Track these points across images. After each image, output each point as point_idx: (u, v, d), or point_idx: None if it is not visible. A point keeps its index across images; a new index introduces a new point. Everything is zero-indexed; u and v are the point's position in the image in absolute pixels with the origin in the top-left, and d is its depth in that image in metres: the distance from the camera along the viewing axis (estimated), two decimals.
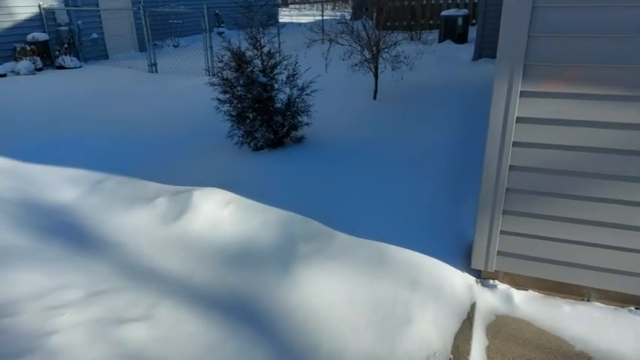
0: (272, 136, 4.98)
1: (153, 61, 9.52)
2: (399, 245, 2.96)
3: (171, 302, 2.50)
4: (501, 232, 2.66)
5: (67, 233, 3.18)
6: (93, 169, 4.14)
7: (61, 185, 3.83)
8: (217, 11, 14.88)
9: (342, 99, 6.61)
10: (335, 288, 2.64)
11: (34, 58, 9.21)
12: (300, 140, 5.08)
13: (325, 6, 16.47)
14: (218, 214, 3.38)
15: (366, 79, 6.92)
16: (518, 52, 2.28)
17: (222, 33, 12.78)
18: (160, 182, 3.92)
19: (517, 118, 2.40)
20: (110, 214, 3.41)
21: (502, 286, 2.78)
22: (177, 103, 6.85)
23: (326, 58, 7.40)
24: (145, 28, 9.39)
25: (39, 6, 9.64)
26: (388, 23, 7.26)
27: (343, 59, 6.92)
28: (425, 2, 14.77)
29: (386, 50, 6.75)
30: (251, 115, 4.94)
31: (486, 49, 8.86)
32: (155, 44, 9.72)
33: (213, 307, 2.50)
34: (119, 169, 4.13)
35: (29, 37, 9.36)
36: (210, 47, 8.76)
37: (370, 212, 3.47)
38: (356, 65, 6.73)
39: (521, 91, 2.35)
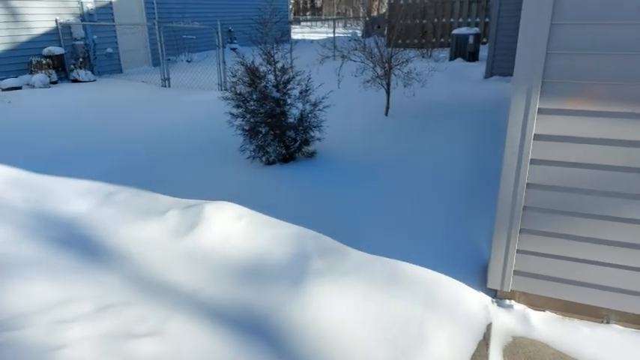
0: (284, 151, 4.98)
1: (166, 76, 9.64)
2: (413, 262, 2.90)
3: (182, 317, 2.46)
4: (518, 251, 2.60)
5: (78, 245, 3.17)
6: (105, 181, 4.15)
7: (74, 197, 3.84)
8: (230, 28, 15.11)
9: (354, 115, 6.62)
10: (348, 305, 2.59)
11: (50, 71, 9.37)
12: (311, 155, 5.07)
13: (337, 23, 16.65)
14: (230, 228, 3.35)
15: (377, 96, 6.93)
16: (536, 70, 2.26)
17: (235, 49, 12.94)
18: (171, 195, 3.92)
19: (535, 135, 2.36)
20: (122, 227, 3.40)
21: (519, 307, 2.71)
22: (189, 118, 6.90)
23: (338, 74, 7.44)
24: (159, 43, 9.54)
25: (56, 20, 9.84)
26: (399, 41, 7.30)
27: (355, 75, 6.95)
28: (436, 21, 14.90)
29: (398, 67, 6.78)
30: (263, 130, 4.95)
31: (498, 68, 8.88)
32: (169, 59, 9.86)
33: (224, 323, 2.45)
34: (131, 182, 4.14)
35: (45, 51, 9.54)
36: (223, 62, 8.86)
37: (383, 228, 3.42)
38: (368, 82, 6.75)
39: (539, 109, 2.32)
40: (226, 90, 7.60)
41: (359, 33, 16.97)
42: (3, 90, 8.57)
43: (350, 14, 34.66)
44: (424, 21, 14.62)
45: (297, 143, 5.01)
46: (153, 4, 12.34)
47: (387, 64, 6.67)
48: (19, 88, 8.81)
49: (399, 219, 3.57)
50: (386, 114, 6.67)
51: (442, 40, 14.70)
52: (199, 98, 8.31)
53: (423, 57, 11.53)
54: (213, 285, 2.79)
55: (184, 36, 13.20)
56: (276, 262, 3.03)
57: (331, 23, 22.56)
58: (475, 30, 11.95)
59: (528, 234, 2.55)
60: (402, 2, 14.10)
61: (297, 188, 4.25)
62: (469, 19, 14.70)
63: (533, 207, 2.49)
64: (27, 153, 4.80)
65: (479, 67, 10.13)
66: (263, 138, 4.96)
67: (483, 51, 11.64)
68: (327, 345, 2.33)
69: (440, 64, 9.26)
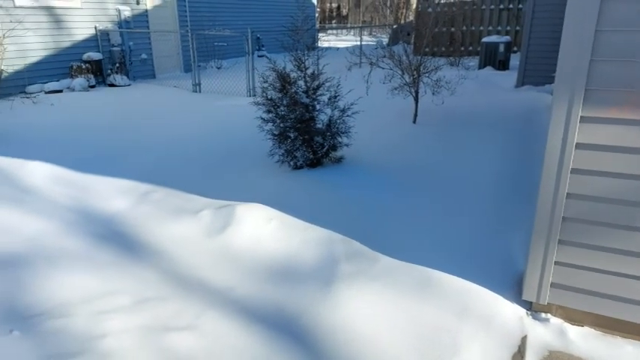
0: (311, 156, 5.05)
1: (197, 81, 9.89)
2: (444, 271, 2.90)
3: (216, 313, 2.54)
4: (556, 262, 2.55)
5: (117, 241, 3.31)
6: (142, 180, 4.31)
7: (113, 195, 4.00)
8: (258, 35, 15.38)
9: (381, 121, 6.65)
10: (378, 310, 2.62)
11: (88, 75, 9.75)
12: (339, 161, 5.13)
13: (362, 31, 16.72)
14: (260, 229, 3.43)
15: (405, 103, 6.94)
16: (579, 77, 2.22)
17: (263, 56, 13.17)
18: (203, 196, 4.03)
19: (576, 144, 2.32)
20: (158, 225, 3.52)
21: (555, 320, 2.65)
22: (219, 122, 7.06)
23: (367, 81, 7.49)
24: (191, 49, 9.80)
25: (95, 27, 10.25)
26: (427, 49, 7.29)
27: (383, 82, 6.99)
28: (464, 29, 14.80)
29: (427, 75, 6.78)
30: (292, 135, 5.04)
31: (530, 76, 8.75)
32: (199, 65, 10.11)
33: (256, 321, 2.52)
34: (166, 182, 4.28)
35: (85, 56, 9.93)
36: (252, 69, 9.04)
37: (412, 235, 3.43)
38: (396, 89, 6.77)
39: (581, 117, 2.28)
40: (255, 96, 7.74)
41: (385, 41, 17.00)
42: (46, 93, 8.96)
43: (376, 22, 34.72)
44: (452, 29, 14.54)
45: (325, 149, 5.08)
46: (185, 12, 12.70)
47: (415, 72, 6.68)
48: (60, 91, 9.19)
49: (429, 227, 3.58)
50: (414, 121, 6.67)
51: (471, 48, 14.57)
52: (229, 103, 8.49)
53: (452, 65, 11.47)
54: (245, 284, 2.87)
55: (215, 43, 13.51)
56: (305, 264, 3.09)
57: (356, 31, 22.66)
58: (506, 38, 11.81)
59: (567, 245, 2.50)
60: (430, 10, 14.08)
61: (324, 193, 4.30)
62: (499, 27, 14.54)
63: (573, 218, 2.44)
64: (69, 152, 5.02)
65: (509, 76, 10.00)
66: (292, 143, 5.05)
67: (514, 60, 11.48)
68: (357, 349, 2.36)
69: (469, 72, 9.19)
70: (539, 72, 8.41)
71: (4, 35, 8.11)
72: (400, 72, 6.77)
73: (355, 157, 5.17)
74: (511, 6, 14.41)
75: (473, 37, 14.75)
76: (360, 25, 31.16)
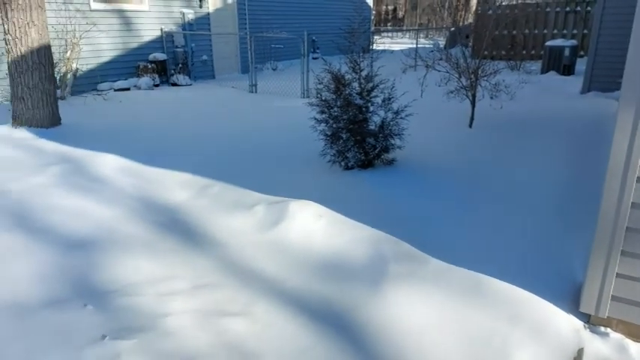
0: (363, 157, 5.09)
1: (254, 82, 10.21)
2: (497, 277, 2.86)
3: (267, 302, 2.65)
4: (617, 275, 2.44)
5: (178, 230, 3.52)
6: (200, 174, 4.54)
7: (175, 187, 4.25)
8: (314, 38, 15.61)
9: (436, 124, 6.57)
10: (427, 311, 2.62)
11: (153, 75, 10.33)
12: (390, 163, 5.13)
13: (419, 34, 16.52)
14: (311, 225, 3.52)
15: (462, 107, 6.82)
16: None
17: (317, 58, 13.36)
18: (257, 191, 4.18)
19: None
20: (215, 217, 3.71)
21: (615, 335, 2.53)
22: (274, 121, 7.27)
23: (421, 84, 7.42)
24: (249, 51, 10.14)
25: (161, 30, 10.84)
26: (486, 52, 7.11)
27: (439, 85, 6.90)
28: (527, 32, 14.25)
29: (485, 78, 6.62)
30: (344, 136, 5.10)
31: (597, 82, 8.30)
32: (256, 67, 10.42)
33: (305, 312, 2.60)
34: (223, 177, 4.47)
35: (151, 57, 10.53)
36: (307, 71, 9.21)
37: (464, 239, 3.39)
38: (452, 92, 6.67)
39: None
40: (309, 97, 7.88)
41: (442, 44, 16.67)
42: (115, 90, 9.60)
43: (433, 25, 34.08)
44: (514, 32, 14.04)
45: (377, 150, 5.10)
46: (245, 15, 13.13)
47: (473, 75, 6.55)
48: (128, 89, 9.82)
49: (482, 232, 3.52)
50: (470, 125, 6.54)
51: (533, 52, 14.01)
52: (283, 104, 8.71)
53: (512, 69, 11.08)
54: (295, 277, 2.96)
55: (272, 45, 13.87)
56: (354, 262, 3.14)
57: (412, 34, 22.37)
58: (572, 42, 11.27)
59: (631, 257, 2.39)
60: (490, 12, 13.68)
61: (375, 194, 4.33)
62: (564, 31, 13.87)
63: (637, 228, 2.33)
64: (135, 145, 5.37)
65: (574, 82, 9.54)
66: (344, 143, 5.11)
67: (579, 64, 10.93)
68: (403, 347, 2.38)
69: (531, 76, 8.86)
70: (608, 77, 7.95)
71: (80, 36, 8.78)
72: (457, 75, 6.66)
73: (408, 159, 5.15)
74: (578, 8, 13.71)
75: (536, 41, 14.16)
76: (417, 27, 30.74)
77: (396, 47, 17.56)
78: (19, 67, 6.05)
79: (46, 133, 5.97)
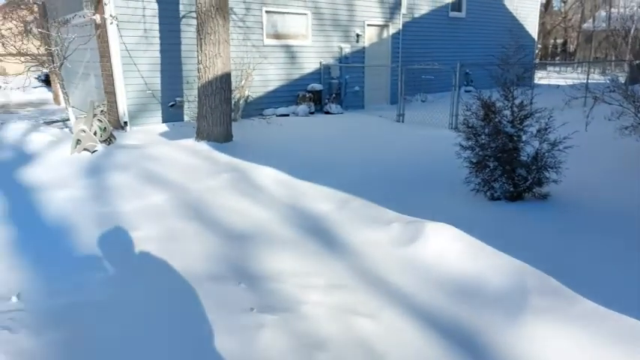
0: (511, 188, 4.83)
1: (401, 112, 10.45)
2: None
3: (395, 310, 2.73)
4: None
5: (319, 235, 3.84)
6: (344, 190, 4.85)
7: (320, 199, 4.64)
8: (467, 70, 15.30)
9: (602, 162, 5.89)
10: (570, 355, 2.39)
11: (310, 103, 11.34)
12: (544, 197, 4.77)
13: (592, 68, 14.91)
14: (447, 248, 3.49)
15: (638, 145, 5.99)
16: None
17: (470, 91, 13.07)
18: (396, 211, 4.30)
19: None
20: (353, 228, 3.94)
21: None
22: (417, 148, 7.34)
23: (587, 116, 6.74)
24: (399, 82, 10.45)
25: (320, 63, 11.89)
26: None
27: (609, 119, 6.20)
28: None
29: None
30: (491, 165, 4.93)
31: None
32: (405, 98, 10.67)
33: (431, 326, 2.61)
34: (363, 194, 4.71)
35: (309, 87, 11.61)
36: (457, 102, 9.09)
37: (625, 285, 3.00)
38: (626, 128, 5.92)
39: None
40: (457, 129, 7.78)
41: (622, 79, 14.72)
42: (277, 115, 10.81)
43: (611, 58, 30.34)
44: None
45: (528, 182, 4.79)
46: (398, 49, 13.59)
47: None
48: (288, 115, 10.95)
49: None
50: None
51: None
52: (429, 133, 8.72)
53: None
54: (425, 293, 2.98)
55: (422, 76, 14.02)
56: (490, 289, 3.02)
57: (583, 69, 20.23)
58: None
59: None
60: None
61: (522, 227, 4.09)
62: None
63: None
64: (289, 162, 5.98)
65: None
66: (490, 172, 4.93)
67: None
68: None
69: None
70: None
71: (253, 67, 10.16)
72: (633, 110, 5.91)
73: (564, 195, 4.73)
74: None
75: None
76: (590, 60, 27.76)
77: (563, 82, 16.15)
78: (205, 90, 7.30)
79: (221, 146, 7.02)
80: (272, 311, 2.63)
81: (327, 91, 11.94)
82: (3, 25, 8.51)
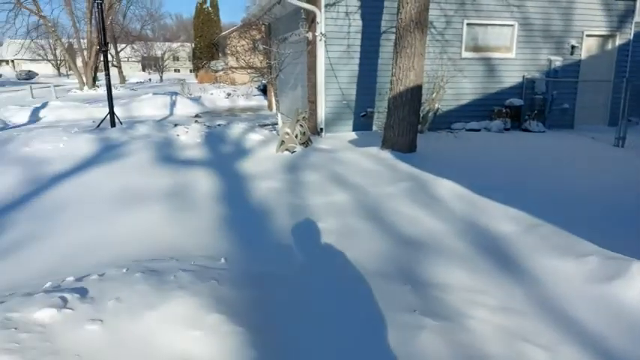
0: None
1: (621, 135, 8.86)
2: None
3: (577, 348, 2.39)
4: None
5: (497, 255, 3.60)
6: (530, 214, 4.38)
7: (502, 219, 4.30)
8: None
9: None
10: None
11: (506, 119, 10.54)
12: None
13: None
14: None
15: None
16: None
17: None
18: (594, 243, 3.70)
19: None
20: (538, 255, 3.55)
21: None
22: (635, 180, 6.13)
23: None
24: (622, 99, 8.87)
25: (523, 76, 10.94)
26: None
27: None
28: None
29: None
30: None
31: None
32: (629, 119, 8.99)
33: None
34: (554, 221, 4.17)
35: (507, 102, 10.79)
36: None
37: None
38: None
39: None
40: None
41: None
42: (466, 130, 10.39)
43: None
44: None
45: None
46: (626, 60, 11.55)
47: None
48: (479, 130, 10.41)
49: None
50: None
51: None
52: None
53: None
54: (617, 338, 2.52)
55: None
56: None
57: None
58: None
59: None
60: None
61: None
62: None
63: None
64: (472, 178, 5.64)
65: None
66: None
67: None
68: None
69: None
70: None
71: (446, 81, 9.99)
72: None
73: None
74: None
75: None
76: None
77: None
78: (395, 101, 7.52)
79: (403, 156, 7.14)
80: (434, 317, 2.60)
81: (527, 107, 10.93)
82: (238, 42, 10.37)
